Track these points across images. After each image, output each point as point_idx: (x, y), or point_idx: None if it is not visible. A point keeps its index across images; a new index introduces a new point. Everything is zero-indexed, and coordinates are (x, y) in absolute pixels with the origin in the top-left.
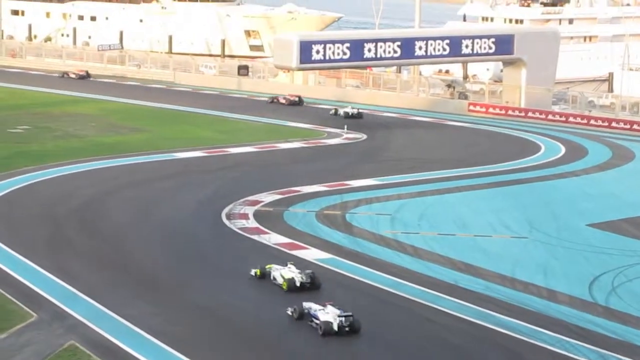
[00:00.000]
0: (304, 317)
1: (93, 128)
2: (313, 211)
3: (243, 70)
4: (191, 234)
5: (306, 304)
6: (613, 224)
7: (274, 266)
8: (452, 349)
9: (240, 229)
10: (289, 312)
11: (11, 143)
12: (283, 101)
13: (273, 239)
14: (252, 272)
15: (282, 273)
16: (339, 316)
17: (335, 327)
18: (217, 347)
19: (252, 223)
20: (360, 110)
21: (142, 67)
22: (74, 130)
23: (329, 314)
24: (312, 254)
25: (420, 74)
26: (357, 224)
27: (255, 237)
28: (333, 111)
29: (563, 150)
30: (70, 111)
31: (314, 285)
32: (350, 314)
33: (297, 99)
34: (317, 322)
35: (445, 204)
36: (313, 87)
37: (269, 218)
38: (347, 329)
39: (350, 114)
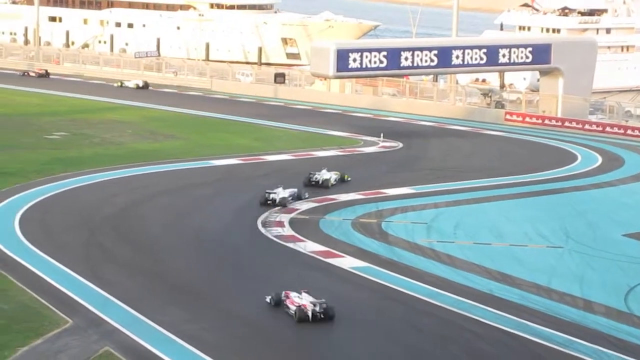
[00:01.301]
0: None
1: (130, 135)
2: (349, 219)
3: (280, 78)
4: (226, 241)
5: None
6: None
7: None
8: (488, 359)
9: (276, 236)
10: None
11: (49, 149)
12: (33, 74)
13: (309, 247)
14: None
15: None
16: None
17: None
18: (250, 355)
19: (287, 231)
20: (147, 82)
21: (178, 74)
22: (111, 137)
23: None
24: (347, 262)
25: (457, 82)
26: (393, 233)
27: (290, 245)
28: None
29: (600, 160)
30: (108, 118)
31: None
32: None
33: (44, 72)
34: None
35: (481, 213)
36: (350, 95)
37: (305, 226)
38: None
39: (140, 86)
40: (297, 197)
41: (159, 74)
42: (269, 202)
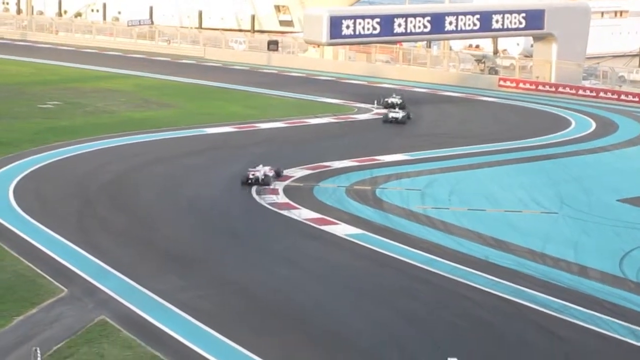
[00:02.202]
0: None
1: (123, 104)
2: (343, 186)
3: (273, 45)
4: (221, 209)
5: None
6: None
7: None
8: (484, 326)
9: (270, 204)
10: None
11: (42, 118)
12: None
13: (303, 214)
14: None
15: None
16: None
17: None
18: (246, 322)
19: (282, 198)
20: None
21: (172, 42)
22: (104, 105)
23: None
24: (342, 229)
25: (450, 49)
26: (387, 199)
27: (285, 212)
28: (376, 101)
29: (593, 125)
30: (100, 87)
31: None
32: None
33: None
34: None
35: (476, 179)
36: (343, 62)
37: (299, 193)
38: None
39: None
40: (277, 174)
41: (152, 43)
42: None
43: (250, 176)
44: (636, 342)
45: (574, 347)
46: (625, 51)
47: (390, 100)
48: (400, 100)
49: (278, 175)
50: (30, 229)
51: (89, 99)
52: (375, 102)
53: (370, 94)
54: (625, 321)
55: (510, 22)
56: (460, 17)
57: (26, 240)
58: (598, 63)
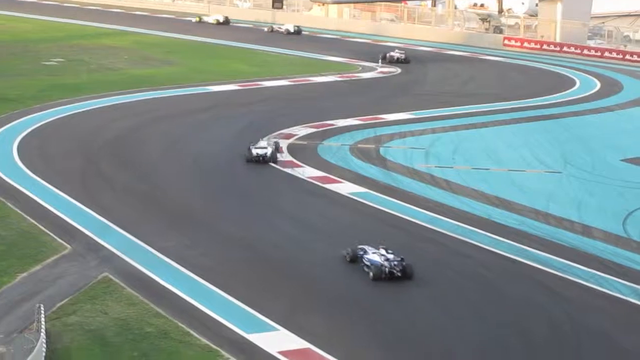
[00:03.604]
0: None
1: (127, 61)
2: (347, 145)
3: (277, 3)
4: (225, 167)
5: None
6: None
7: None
8: (487, 284)
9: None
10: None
11: (45, 75)
12: None
13: (307, 172)
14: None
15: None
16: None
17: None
18: (250, 279)
19: (286, 156)
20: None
21: (176, 0)
22: (108, 62)
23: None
24: (346, 188)
25: (455, 7)
26: (391, 158)
27: (288, 170)
28: (268, 29)
29: (598, 85)
30: (105, 44)
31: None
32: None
33: None
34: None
35: (480, 138)
36: (348, 20)
37: (303, 151)
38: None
39: (395, 58)
40: (276, 148)
41: (157, 0)
42: (256, 158)
43: (256, 154)
44: (638, 301)
45: (576, 306)
46: (630, 11)
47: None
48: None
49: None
50: (34, 186)
51: (92, 56)
52: (380, 59)
53: (374, 52)
54: (628, 280)
55: None
56: None
57: (30, 198)
58: (603, 22)
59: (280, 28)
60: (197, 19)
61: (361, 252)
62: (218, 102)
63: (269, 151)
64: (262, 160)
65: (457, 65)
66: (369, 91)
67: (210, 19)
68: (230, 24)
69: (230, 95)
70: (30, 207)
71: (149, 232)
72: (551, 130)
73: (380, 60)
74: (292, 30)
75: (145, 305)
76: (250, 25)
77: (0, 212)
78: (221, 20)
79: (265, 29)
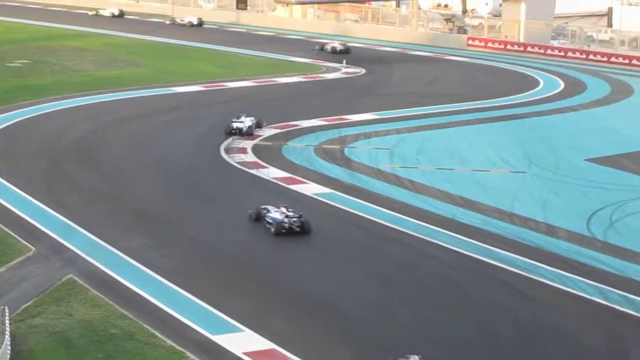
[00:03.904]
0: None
1: (92, 62)
2: (311, 145)
3: (242, 4)
4: (189, 168)
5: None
6: (611, 159)
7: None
8: (453, 285)
9: (239, 163)
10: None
11: (10, 77)
12: None
13: (271, 173)
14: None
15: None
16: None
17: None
18: (215, 281)
19: (250, 157)
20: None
21: (140, 1)
22: (73, 64)
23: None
24: (310, 189)
25: (419, 8)
26: (356, 158)
27: (253, 171)
28: (318, 47)
29: (562, 85)
30: (70, 45)
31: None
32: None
33: None
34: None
35: (444, 138)
36: (312, 21)
37: (268, 152)
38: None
39: (338, 49)
40: (257, 125)
41: (121, 1)
42: (233, 131)
43: (234, 127)
44: (603, 301)
45: (541, 305)
46: (593, 11)
47: (335, 46)
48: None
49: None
50: None
51: (58, 58)
52: (316, 49)
53: (339, 53)
54: (593, 280)
55: None
56: None
57: None
58: (566, 23)
59: (183, 20)
60: (94, 12)
61: (264, 211)
62: (183, 103)
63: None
64: (239, 133)
65: (421, 65)
66: (333, 92)
67: (107, 12)
68: (201, 25)
69: (194, 96)
70: None
71: (114, 233)
72: (515, 130)
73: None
74: (195, 23)
75: (110, 307)
76: (215, 27)
77: None
78: (116, 13)
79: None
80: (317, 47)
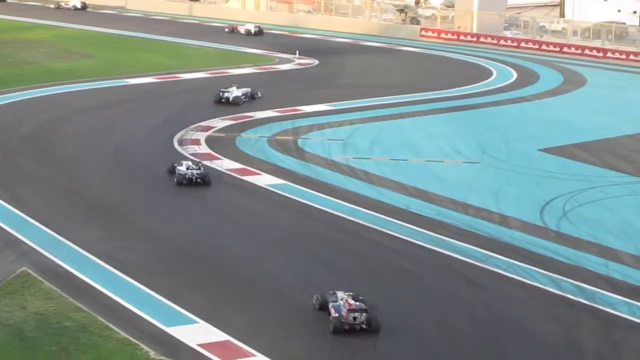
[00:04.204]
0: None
1: (45, 54)
2: (265, 137)
3: None
4: (143, 160)
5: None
6: (564, 148)
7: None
8: (407, 275)
9: (192, 154)
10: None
11: None
12: None
13: (225, 164)
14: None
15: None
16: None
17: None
18: (169, 272)
19: (204, 149)
20: (261, 27)
21: None
22: (26, 56)
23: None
24: (264, 180)
25: None
26: (310, 150)
27: (207, 162)
28: (229, 29)
29: (515, 75)
30: (22, 37)
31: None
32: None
33: None
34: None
35: (398, 129)
36: (265, 12)
37: (221, 144)
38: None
39: (252, 31)
40: (251, 97)
41: None
42: (222, 100)
43: (222, 95)
44: (556, 290)
45: (494, 295)
46: (546, 1)
47: (249, 28)
48: (257, 29)
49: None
50: None
51: (10, 50)
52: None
53: (292, 44)
54: (546, 270)
55: None
56: None
57: None
58: (519, 13)
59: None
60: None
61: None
62: (136, 95)
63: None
64: (227, 102)
65: (375, 56)
66: (286, 83)
67: (69, 5)
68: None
69: (148, 88)
70: None
71: (68, 226)
72: (469, 120)
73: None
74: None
75: (64, 300)
76: (168, 18)
77: None
78: (79, 7)
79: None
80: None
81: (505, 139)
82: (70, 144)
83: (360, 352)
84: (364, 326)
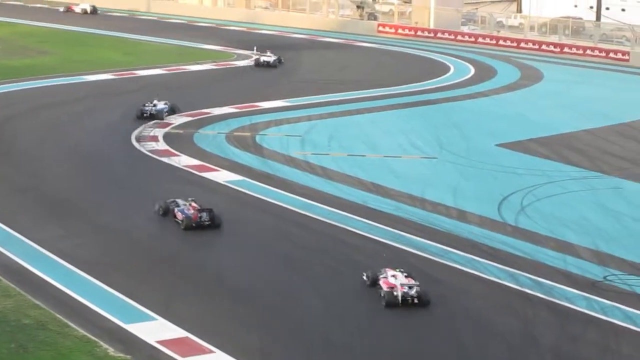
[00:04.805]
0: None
1: (2, 51)
2: (223, 133)
3: None
4: (101, 157)
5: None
6: (522, 144)
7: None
8: (364, 270)
9: (150, 151)
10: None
11: None
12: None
13: (183, 161)
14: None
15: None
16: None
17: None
18: (128, 270)
19: (162, 145)
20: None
21: None
22: None
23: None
24: (222, 176)
25: None
26: (267, 146)
27: (165, 159)
28: (64, 9)
29: (472, 70)
30: None
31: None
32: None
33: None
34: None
35: (355, 124)
36: (222, 8)
37: (179, 140)
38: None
39: (87, 11)
40: (172, 110)
41: None
42: (145, 115)
43: (145, 109)
44: (514, 285)
45: (452, 289)
46: None
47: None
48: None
49: (173, 112)
50: None
51: None
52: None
53: (249, 40)
54: (504, 264)
55: None
56: None
57: None
58: (476, 9)
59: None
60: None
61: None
62: (94, 92)
63: (156, 109)
64: (150, 116)
65: (332, 52)
66: (244, 79)
67: (78, 9)
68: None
69: (105, 84)
70: None
71: (26, 223)
72: (426, 116)
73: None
74: (88, 11)
75: (23, 297)
76: (126, 15)
77: None
78: (88, 11)
79: (62, 9)
80: (62, 10)
81: (463, 134)
82: (28, 141)
83: (317, 346)
84: (415, 300)
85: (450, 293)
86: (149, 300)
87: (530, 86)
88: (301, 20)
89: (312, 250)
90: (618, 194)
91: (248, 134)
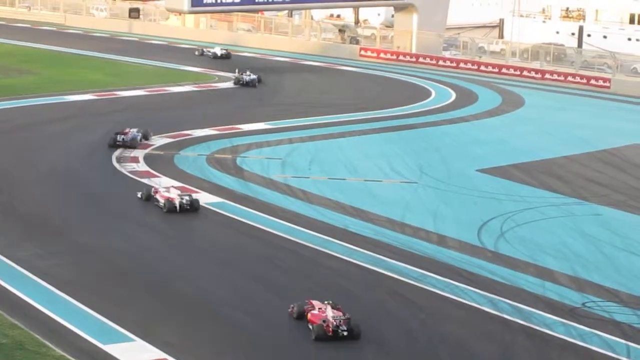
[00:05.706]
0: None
1: None
2: (204, 155)
3: (134, 13)
4: (81, 177)
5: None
6: (502, 169)
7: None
8: (343, 294)
9: (131, 172)
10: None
11: None
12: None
13: (164, 182)
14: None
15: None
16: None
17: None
18: (106, 290)
19: (142, 166)
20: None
21: (32, 9)
22: None
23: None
24: (202, 198)
25: (312, 18)
26: (248, 168)
27: (145, 180)
28: (199, 52)
29: (453, 95)
30: None
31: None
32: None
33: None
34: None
35: (336, 148)
36: (205, 30)
37: (160, 161)
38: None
39: (219, 55)
40: (144, 137)
41: (12, 9)
42: (118, 143)
43: (119, 138)
44: (492, 310)
45: (431, 314)
46: (484, 22)
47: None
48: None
49: (145, 139)
50: None
51: None
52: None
53: (231, 63)
54: (483, 290)
55: None
56: None
57: None
58: (458, 34)
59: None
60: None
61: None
62: (75, 112)
63: (129, 138)
64: (123, 144)
65: (314, 75)
66: (225, 101)
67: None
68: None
69: (87, 105)
70: None
71: (5, 242)
72: (407, 140)
73: (198, 52)
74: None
75: (0, 316)
76: (108, 35)
77: None
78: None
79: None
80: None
81: (444, 159)
82: (7, 160)
83: None
84: (345, 333)
85: (429, 317)
86: (127, 321)
87: (511, 112)
88: (283, 43)
89: (292, 273)
90: (597, 221)
91: (229, 156)
